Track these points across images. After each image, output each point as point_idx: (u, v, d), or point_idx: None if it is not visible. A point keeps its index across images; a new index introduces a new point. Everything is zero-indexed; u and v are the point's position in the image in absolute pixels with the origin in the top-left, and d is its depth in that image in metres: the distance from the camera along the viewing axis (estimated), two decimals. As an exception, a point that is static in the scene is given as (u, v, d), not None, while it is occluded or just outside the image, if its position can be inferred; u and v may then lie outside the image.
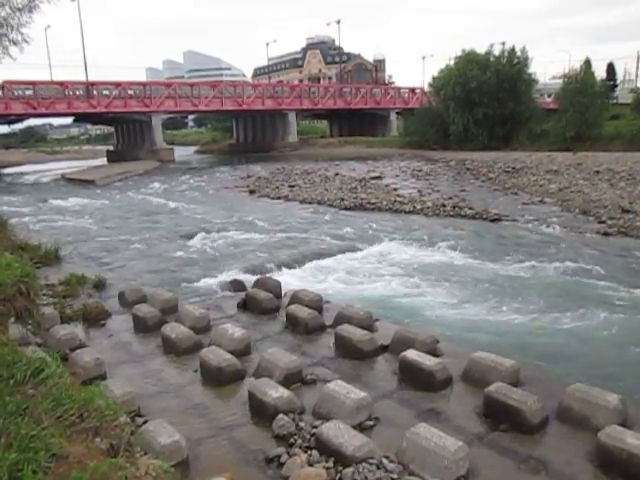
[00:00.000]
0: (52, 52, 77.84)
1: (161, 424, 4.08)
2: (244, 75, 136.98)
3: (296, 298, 7.37)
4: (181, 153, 58.11)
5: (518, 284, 9.51)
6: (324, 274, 10.43)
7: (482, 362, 5.03)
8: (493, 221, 15.61)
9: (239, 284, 8.95)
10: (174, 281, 9.56)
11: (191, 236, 14.33)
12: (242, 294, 8.03)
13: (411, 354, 5.19)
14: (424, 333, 5.86)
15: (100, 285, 8.73)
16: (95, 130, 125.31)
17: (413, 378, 5.05)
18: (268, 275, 9.61)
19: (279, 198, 21.92)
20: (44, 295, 7.90)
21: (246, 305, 7.63)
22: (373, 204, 18.73)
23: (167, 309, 7.38)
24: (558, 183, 21.45)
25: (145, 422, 4.31)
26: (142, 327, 6.82)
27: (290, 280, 9.60)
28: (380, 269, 10.76)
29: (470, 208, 17.16)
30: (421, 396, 4.85)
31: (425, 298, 8.87)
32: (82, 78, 49.09)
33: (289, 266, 10.82)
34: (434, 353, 5.53)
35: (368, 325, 6.41)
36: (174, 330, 6.20)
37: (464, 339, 6.73)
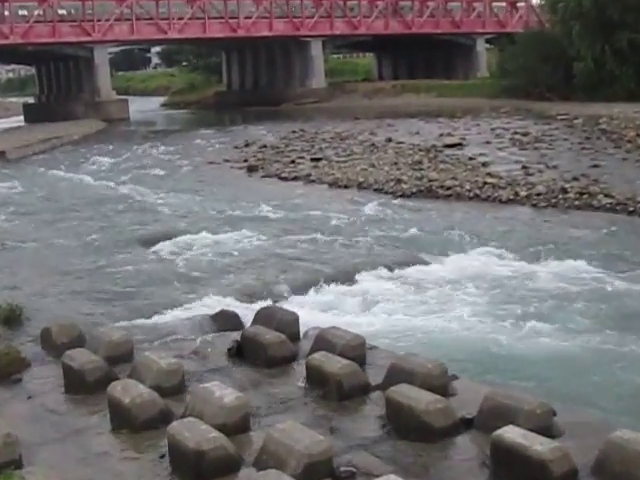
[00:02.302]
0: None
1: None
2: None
3: (323, 341, 7.38)
4: (140, 107, 58.87)
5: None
6: (367, 302, 10.42)
7: (627, 446, 4.96)
8: (646, 216, 15.44)
9: (231, 318, 9.01)
10: (128, 313, 9.66)
11: (155, 241, 14.50)
12: (236, 334, 8.08)
13: (511, 433, 5.16)
14: (532, 400, 5.81)
15: (13, 318, 8.87)
16: (6, 73, 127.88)
17: (514, 472, 5.01)
18: (277, 304, 9.65)
19: (295, 179, 22.05)
20: None
21: (242, 352, 7.67)
22: (449, 189, 18.71)
23: (117, 357, 7.47)
24: None
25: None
26: (78, 385, 6.90)
27: (312, 312, 9.62)
28: (459, 295, 10.71)
29: (608, 195, 16.97)
30: (527, 502, 4.81)
31: (532, 344, 8.79)
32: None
33: (311, 289, 10.87)
34: (549, 432, 5.48)
35: (440, 385, 6.38)
36: (128, 391, 6.26)
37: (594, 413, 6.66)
